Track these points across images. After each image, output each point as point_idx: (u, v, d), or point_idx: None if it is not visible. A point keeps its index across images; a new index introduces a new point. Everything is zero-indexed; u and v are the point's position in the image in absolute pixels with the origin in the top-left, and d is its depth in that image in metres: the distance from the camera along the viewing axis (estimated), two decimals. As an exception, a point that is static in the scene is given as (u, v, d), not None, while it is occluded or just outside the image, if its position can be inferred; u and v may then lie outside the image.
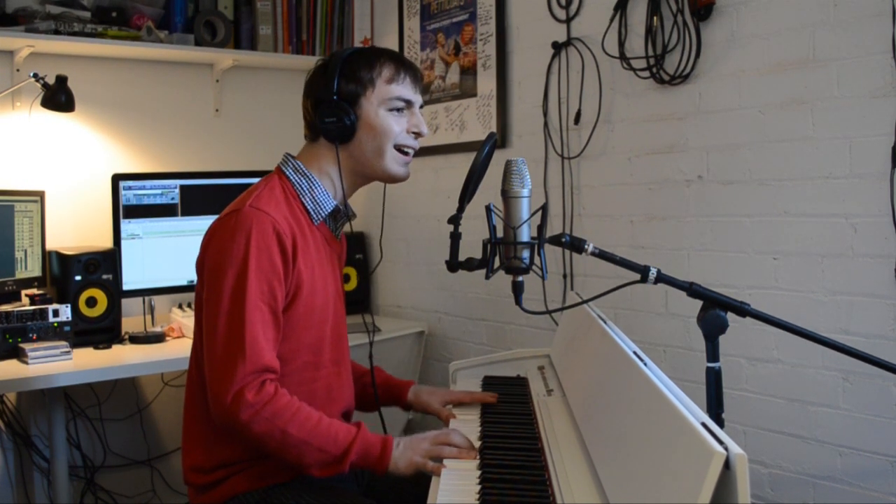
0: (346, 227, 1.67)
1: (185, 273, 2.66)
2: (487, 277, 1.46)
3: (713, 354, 1.36)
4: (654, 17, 2.21)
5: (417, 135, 1.59)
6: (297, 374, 1.51)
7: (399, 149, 1.57)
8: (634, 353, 1.35)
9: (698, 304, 1.40)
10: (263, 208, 1.45)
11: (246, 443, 1.43)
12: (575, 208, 2.50)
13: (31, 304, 2.37)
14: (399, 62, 1.58)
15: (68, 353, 2.25)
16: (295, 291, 1.48)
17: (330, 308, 1.58)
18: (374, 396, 1.77)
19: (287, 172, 1.57)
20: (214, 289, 1.42)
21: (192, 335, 1.71)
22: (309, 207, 1.55)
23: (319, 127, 1.54)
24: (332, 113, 1.53)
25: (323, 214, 1.57)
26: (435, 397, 1.75)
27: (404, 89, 1.56)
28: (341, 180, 1.57)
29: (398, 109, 1.56)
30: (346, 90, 1.53)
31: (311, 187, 1.55)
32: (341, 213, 1.62)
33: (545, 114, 2.57)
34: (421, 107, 1.62)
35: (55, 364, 2.20)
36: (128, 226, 2.59)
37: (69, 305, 2.36)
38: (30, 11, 2.58)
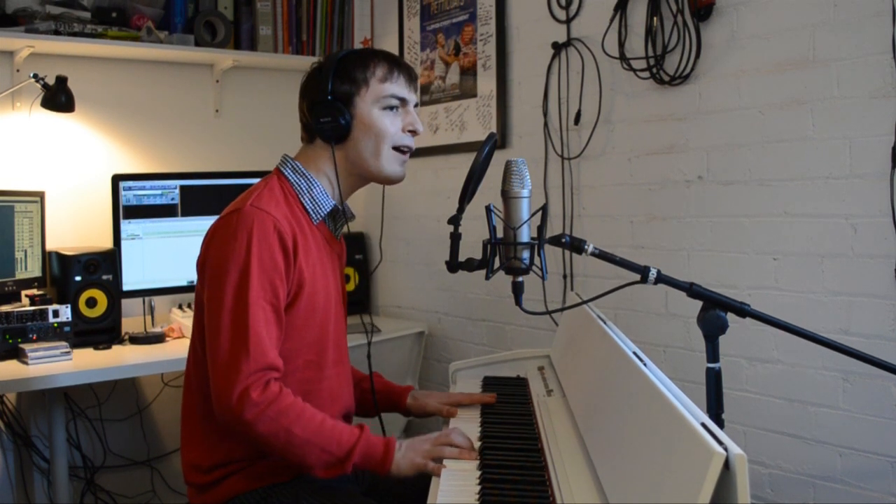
0: (344, 228, 1.68)
1: (185, 273, 2.66)
2: (487, 278, 1.46)
3: (713, 355, 1.36)
4: (654, 18, 2.21)
5: (413, 133, 1.60)
6: (300, 373, 1.51)
7: (397, 149, 1.58)
8: (634, 353, 1.35)
9: (698, 304, 1.39)
10: (264, 207, 1.45)
11: (250, 442, 1.43)
12: (575, 209, 2.50)
13: (31, 304, 2.36)
14: (393, 61, 1.58)
15: (68, 353, 2.25)
16: (297, 290, 1.48)
17: (332, 308, 1.58)
18: (372, 402, 1.77)
19: (286, 173, 1.58)
20: (217, 288, 1.42)
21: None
22: (308, 207, 1.55)
23: (315, 128, 1.55)
24: (326, 113, 1.53)
25: (322, 214, 1.57)
26: (433, 399, 1.77)
27: (398, 87, 1.57)
28: (338, 181, 1.58)
29: (392, 108, 1.57)
30: (341, 90, 1.54)
31: (309, 187, 1.56)
32: (340, 214, 1.62)
33: (545, 114, 2.57)
34: (416, 105, 1.62)
35: (55, 364, 2.20)
36: (128, 226, 2.59)
37: (69, 306, 2.36)
38: (30, 12, 2.58)
